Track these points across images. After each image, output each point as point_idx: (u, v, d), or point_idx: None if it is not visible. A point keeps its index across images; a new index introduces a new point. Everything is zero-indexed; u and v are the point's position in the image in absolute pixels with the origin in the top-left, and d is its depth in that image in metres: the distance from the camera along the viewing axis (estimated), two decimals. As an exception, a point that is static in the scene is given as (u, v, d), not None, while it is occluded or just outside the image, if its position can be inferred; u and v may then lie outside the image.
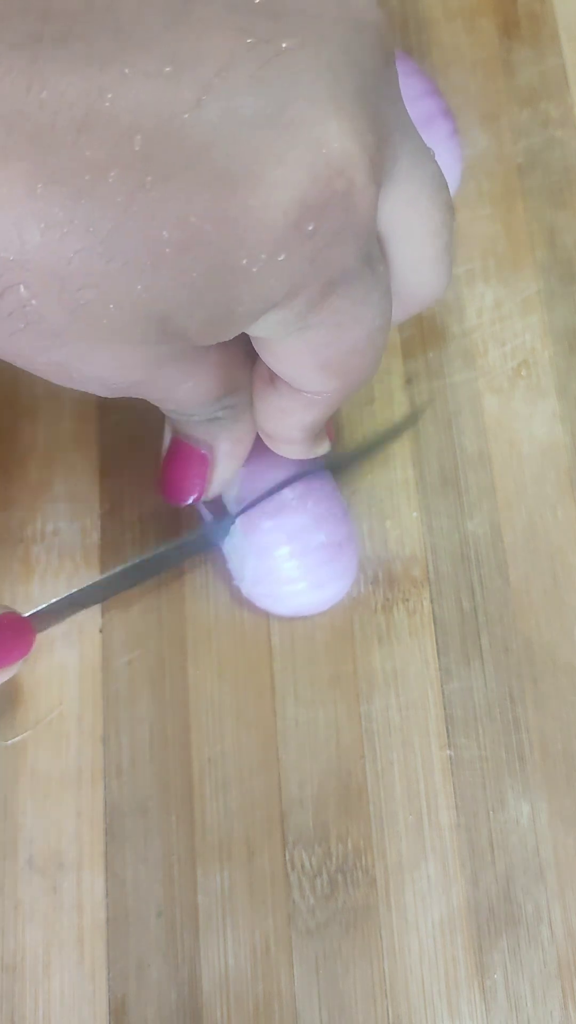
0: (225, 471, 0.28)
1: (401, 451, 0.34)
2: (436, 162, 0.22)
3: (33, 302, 0.18)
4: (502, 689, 0.32)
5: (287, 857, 0.30)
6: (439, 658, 0.32)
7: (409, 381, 0.35)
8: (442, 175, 0.22)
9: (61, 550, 0.33)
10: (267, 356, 0.22)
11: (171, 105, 0.17)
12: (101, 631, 0.32)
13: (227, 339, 0.20)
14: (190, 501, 0.28)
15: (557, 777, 0.31)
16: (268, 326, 0.20)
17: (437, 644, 0.32)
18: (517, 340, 0.36)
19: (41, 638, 0.32)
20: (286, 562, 0.30)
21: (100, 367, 0.20)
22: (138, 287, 0.18)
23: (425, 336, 0.36)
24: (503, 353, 0.35)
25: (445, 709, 0.31)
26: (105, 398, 0.35)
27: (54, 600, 0.29)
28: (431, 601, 0.32)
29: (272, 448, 0.27)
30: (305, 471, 0.30)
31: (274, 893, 0.30)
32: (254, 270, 0.18)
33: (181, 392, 0.23)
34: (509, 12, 0.40)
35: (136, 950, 0.29)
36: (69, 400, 0.34)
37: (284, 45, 0.18)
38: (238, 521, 0.30)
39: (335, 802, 0.30)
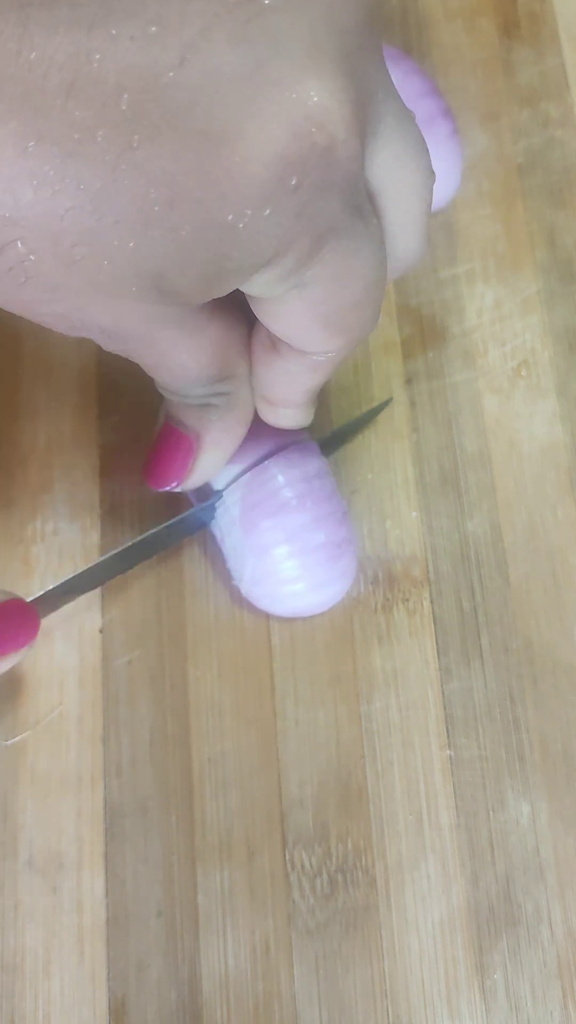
0: (210, 461, 0.28)
1: (401, 451, 0.34)
2: (417, 126, 0.22)
3: (31, 257, 0.19)
4: (502, 689, 0.32)
5: (287, 857, 0.30)
6: (439, 658, 0.32)
7: (409, 381, 0.35)
8: (423, 139, 0.22)
9: (61, 550, 0.33)
10: (269, 320, 0.23)
11: (156, 65, 0.17)
12: (101, 631, 0.32)
13: (221, 295, 0.21)
14: (171, 487, 0.28)
15: (557, 777, 0.31)
16: (264, 284, 0.21)
17: (437, 644, 0.32)
18: (517, 340, 0.36)
19: (41, 638, 0.32)
20: (285, 562, 0.30)
21: (100, 318, 0.21)
22: (129, 244, 0.19)
23: (425, 336, 0.36)
24: (503, 353, 0.35)
25: (445, 709, 0.31)
26: (104, 397, 0.35)
27: (54, 585, 0.29)
28: (431, 601, 0.32)
29: (271, 418, 0.27)
30: (291, 441, 0.30)
31: (274, 893, 0.30)
32: (241, 226, 0.19)
33: (177, 361, 0.24)
34: (509, 12, 0.40)
35: (136, 950, 0.29)
36: (69, 400, 0.34)
37: (266, 2, 0.18)
38: (238, 520, 0.30)
39: (335, 802, 0.30)
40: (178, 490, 0.29)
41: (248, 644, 0.32)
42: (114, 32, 0.17)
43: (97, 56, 0.17)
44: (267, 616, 0.32)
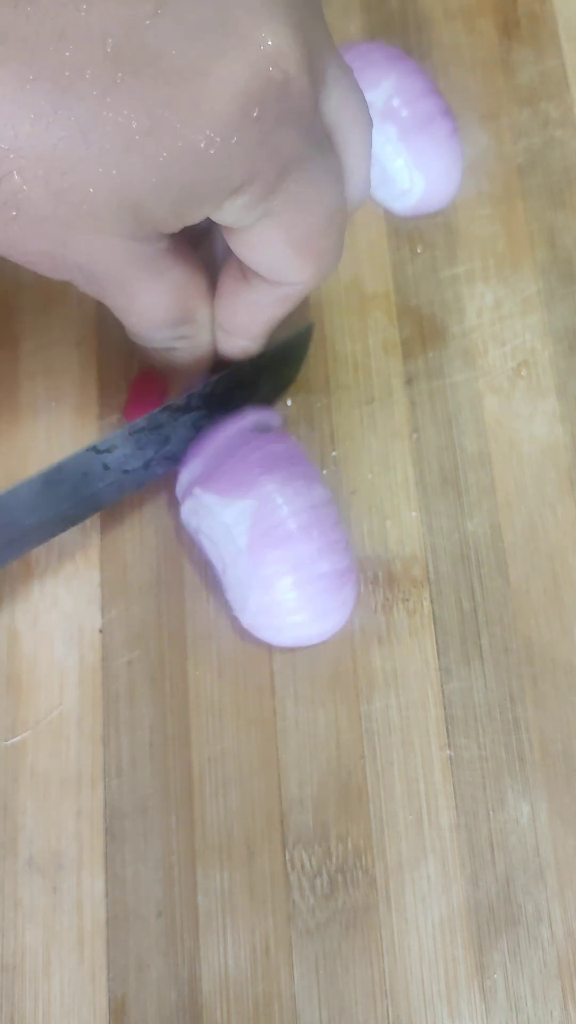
0: (177, 391, 0.32)
1: (401, 451, 0.34)
2: (355, 79, 0.25)
3: (24, 188, 0.21)
4: (502, 689, 0.32)
5: (287, 857, 0.30)
6: (439, 658, 0.32)
7: (409, 381, 0.35)
8: (361, 91, 0.26)
9: (61, 550, 0.33)
10: (245, 250, 0.26)
11: (135, 15, 0.21)
12: (101, 631, 0.32)
13: (193, 222, 0.24)
14: (143, 412, 0.31)
15: (557, 777, 0.31)
16: (236, 211, 0.24)
17: (437, 644, 0.32)
18: (517, 340, 0.36)
19: (41, 638, 0.32)
20: (289, 592, 0.29)
21: (79, 255, 0.23)
22: (113, 172, 0.21)
23: (425, 336, 0.36)
24: (503, 353, 0.35)
25: (445, 709, 0.31)
26: (104, 397, 0.35)
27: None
28: (431, 601, 0.32)
29: (225, 346, 0.30)
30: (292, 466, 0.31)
31: (274, 893, 0.30)
32: (212, 152, 0.22)
33: (144, 302, 0.27)
34: (509, 12, 0.40)
35: (136, 950, 0.29)
36: (69, 400, 0.34)
37: None
38: (246, 551, 0.30)
39: (335, 802, 0.30)
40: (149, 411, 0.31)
41: (248, 644, 0.32)
42: None
43: (84, 6, 0.20)
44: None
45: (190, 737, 0.31)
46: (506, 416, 0.35)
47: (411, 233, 0.37)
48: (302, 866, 0.30)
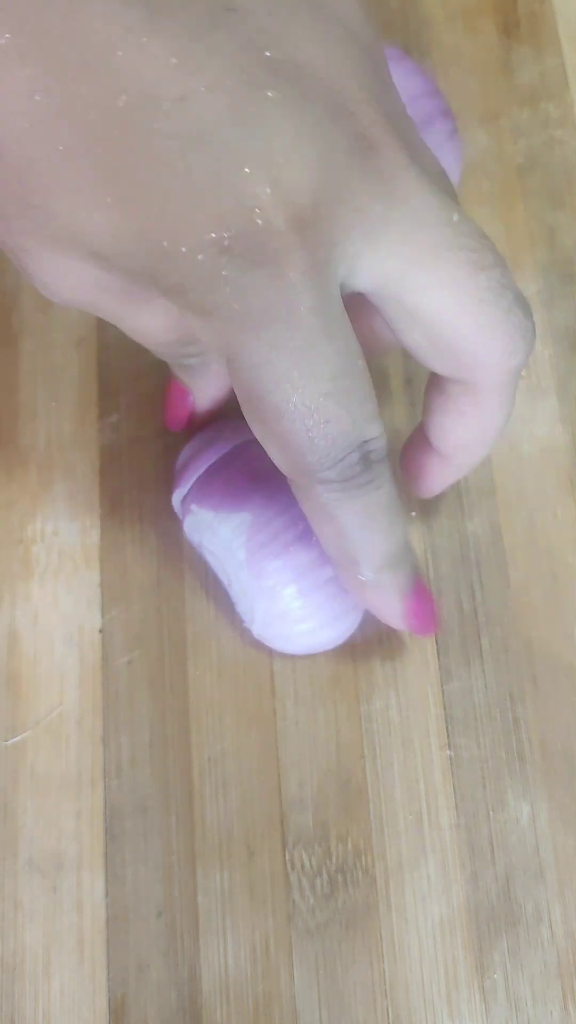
0: (206, 404, 0.32)
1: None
2: (453, 227, 0.23)
3: None
4: (502, 689, 0.32)
5: (287, 857, 0.30)
6: (439, 658, 0.32)
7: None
8: (463, 239, 0.23)
9: (61, 550, 0.33)
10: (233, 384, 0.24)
11: (161, 89, 0.20)
12: (101, 631, 0.32)
13: (154, 313, 0.23)
14: (183, 426, 0.32)
15: (557, 777, 0.31)
16: (201, 328, 0.22)
17: (437, 644, 0.32)
18: (517, 340, 0.36)
19: (41, 638, 0.32)
20: (295, 601, 0.29)
21: (42, 271, 0.23)
22: (80, 215, 0.21)
23: (425, 336, 0.36)
24: (503, 353, 0.35)
25: (445, 709, 0.31)
26: (104, 397, 0.35)
27: None
28: (431, 601, 0.32)
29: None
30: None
31: (274, 893, 0.30)
32: (174, 255, 0.21)
33: (129, 326, 0.26)
34: (509, 12, 0.40)
35: (136, 950, 0.29)
36: (69, 400, 0.34)
37: (269, 95, 0.20)
38: (245, 564, 0.29)
39: (335, 802, 0.30)
40: (188, 426, 0.32)
41: (248, 644, 0.32)
42: (145, 41, 0.20)
43: (120, 53, 0.20)
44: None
45: (190, 737, 0.31)
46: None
47: (411, 233, 0.37)
48: (302, 866, 0.30)
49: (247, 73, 0.20)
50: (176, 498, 0.31)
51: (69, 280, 0.23)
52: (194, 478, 0.30)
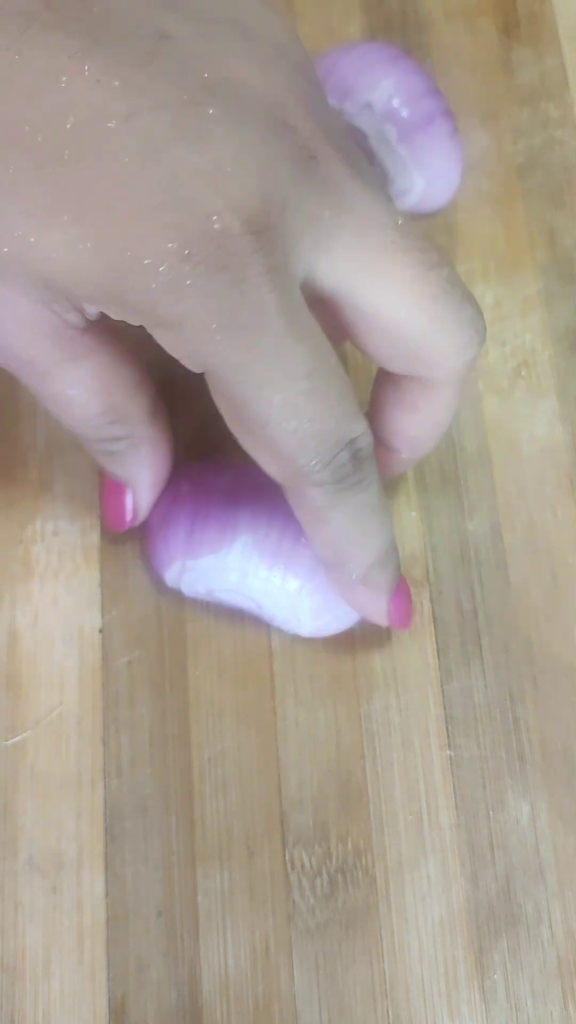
0: (146, 498, 0.30)
1: (401, 451, 0.34)
2: (399, 230, 0.24)
3: None
4: (502, 689, 0.32)
5: (287, 857, 0.30)
6: (439, 658, 0.32)
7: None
8: (410, 240, 0.24)
9: (61, 550, 0.33)
10: (217, 403, 0.24)
11: (107, 109, 0.21)
12: (101, 631, 0.32)
13: (130, 321, 0.23)
14: (126, 526, 0.31)
15: (557, 777, 0.31)
16: (172, 342, 0.23)
17: (437, 644, 0.32)
18: (517, 340, 0.36)
19: (41, 638, 0.32)
20: (327, 588, 0.29)
21: None
22: (31, 239, 0.21)
23: (425, 336, 0.36)
24: (503, 353, 0.35)
25: (445, 709, 0.31)
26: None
27: None
28: (431, 601, 0.32)
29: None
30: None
31: (274, 893, 0.30)
32: (136, 268, 0.21)
33: (58, 387, 0.25)
34: (509, 12, 0.40)
35: (136, 950, 0.29)
36: (69, 400, 0.34)
37: (210, 112, 0.21)
38: (272, 576, 0.29)
39: (335, 802, 0.30)
40: (135, 523, 0.31)
41: (248, 644, 0.32)
42: (87, 68, 0.20)
43: (64, 79, 0.20)
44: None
45: (190, 737, 0.31)
46: (506, 416, 0.35)
47: (411, 233, 0.37)
48: (302, 866, 0.30)
49: (188, 93, 0.21)
50: (172, 577, 0.31)
51: (9, 324, 0.23)
52: (180, 545, 0.30)
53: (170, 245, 0.21)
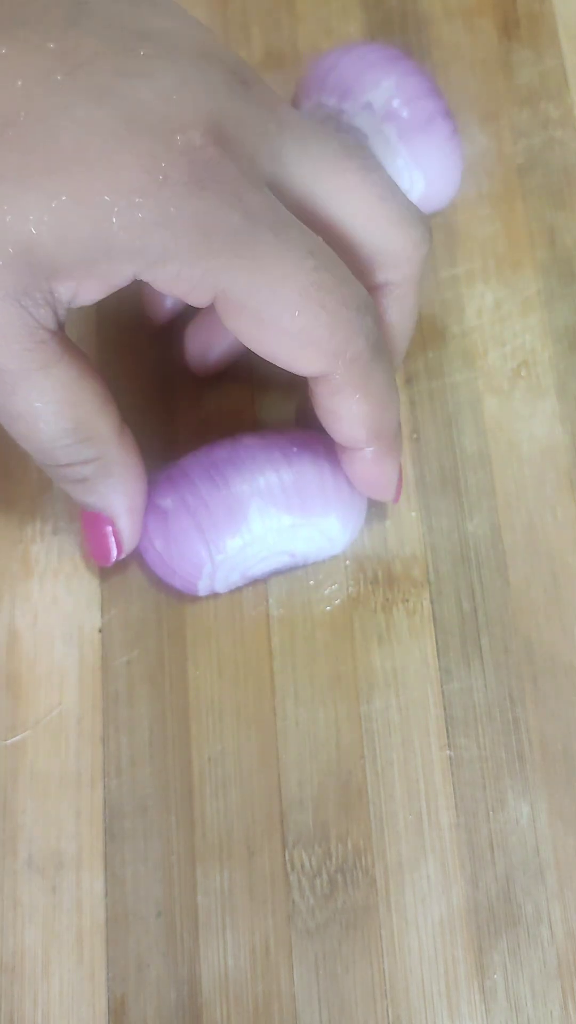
0: (131, 525, 0.29)
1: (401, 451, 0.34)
2: (337, 139, 0.26)
3: None
4: (502, 689, 0.32)
5: (287, 857, 0.30)
6: (439, 658, 0.32)
7: (409, 381, 0.35)
8: (349, 148, 0.26)
9: (61, 550, 0.33)
10: (245, 337, 0.25)
11: (49, 68, 0.22)
12: (101, 631, 0.32)
13: (114, 279, 0.23)
14: (114, 559, 0.30)
15: (557, 777, 0.31)
16: (170, 280, 0.23)
17: (437, 644, 0.32)
18: (517, 340, 0.36)
19: (41, 638, 0.32)
20: (350, 496, 0.30)
21: None
22: (4, 207, 0.22)
23: (425, 336, 0.36)
24: (503, 353, 0.35)
25: (445, 709, 0.31)
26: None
27: None
28: (431, 601, 0.32)
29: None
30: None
31: (274, 893, 0.30)
32: (117, 208, 0.22)
33: (24, 401, 0.25)
34: (509, 12, 0.40)
35: (136, 950, 0.29)
36: (69, 400, 0.34)
37: (142, 52, 0.23)
38: (299, 519, 0.30)
39: (335, 802, 0.30)
40: (122, 556, 0.30)
41: (248, 644, 0.32)
42: (21, 34, 0.22)
43: (3, 50, 0.22)
44: (267, 616, 0.32)
45: (190, 737, 0.31)
46: (506, 416, 0.35)
47: (411, 233, 0.37)
48: (302, 866, 0.30)
49: (120, 42, 0.23)
50: (204, 585, 0.31)
51: None
52: (199, 550, 0.30)
53: (144, 174, 0.22)
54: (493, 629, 0.32)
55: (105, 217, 0.22)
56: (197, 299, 0.24)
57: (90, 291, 0.24)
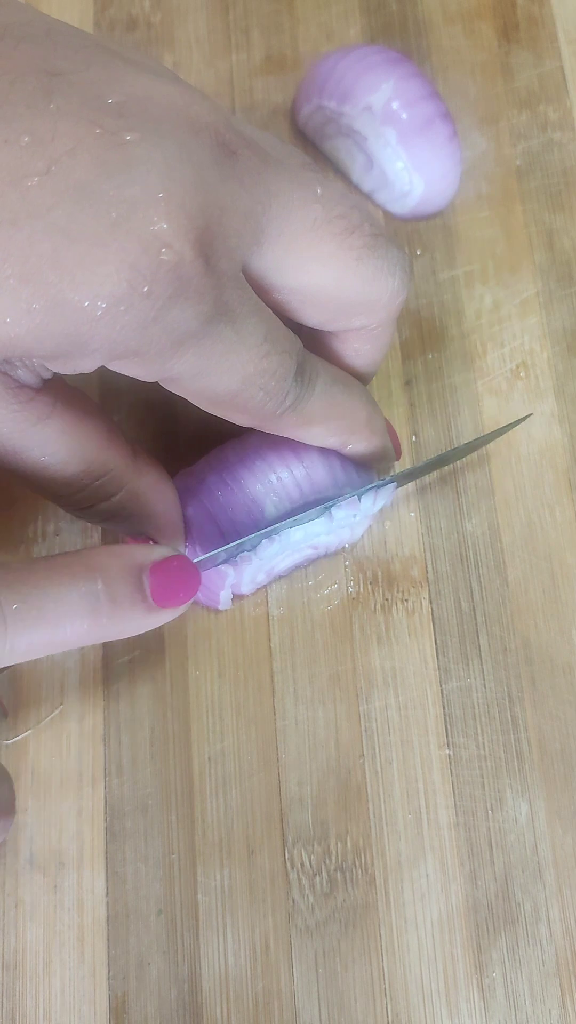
0: (173, 538, 0.29)
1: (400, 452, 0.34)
2: (320, 203, 0.25)
3: None
4: (500, 688, 0.32)
5: (287, 855, 0.30)
6: (438, 658, 0.32)
7: (408, 382, 0.35)
8: (332, 210, 0.25)
9: (62, 550, 0.33)
10: (178, 393, 0.25)
11: (24, 168, 0.20)
12: (102, 631, 0.32)
13: (86, 370, 0.23)
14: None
15: (555, 776, 0.31)
16: (134, 370, 0.23)
17: (436, 644, 0.32)
18: (516, 342, 0.36)
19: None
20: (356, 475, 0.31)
21: None
22: None
23: (424, 338, 0.36)
24: (501, 355, 0.36)
25: (444, 708, 0.31)
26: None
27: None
28: (430, 601, 0.33)
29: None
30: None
31: (274, 891, 0.30)
32: (98, 314, 0.21)
33: (31, 457, 0.25)
34: (508, 15, 0.40)
35: (136, 948, 0.29)
36: (70, 401, 0.34)
37: (128, 138, 0.21)
38: (313, 510, 0.30)
39: (334, 801, 0.31)
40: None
41: (248, 644, 0.32)
42: None
43: None
44: (267, 616, 0.32)
45: (190, 736, 0.31)
46: (505, 417, 0.35)
47: (410, 235, 0.37)
48: (302, 865, 0.30)
49: (99, 124, 0.21)
50: (244, 583, 0.31)
51: None
52: (222, 557, 0.30)
53: (127, 286, 0.21)
54: (492, 629, 0.32)
55: (83, 321, 0.21)
56: (142, 378, 0.24)
57: (63, 369, 0.24)
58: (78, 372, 0.23)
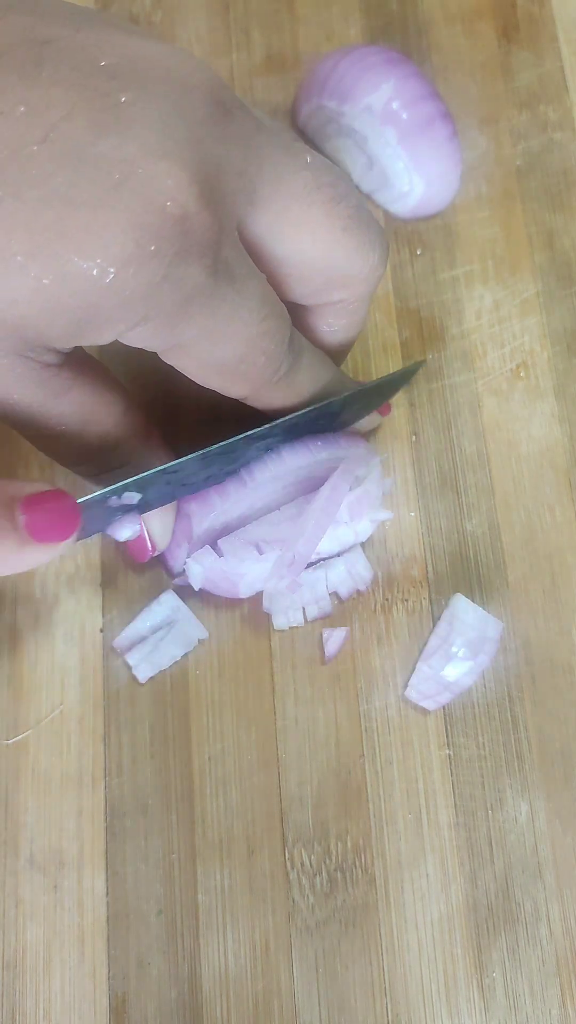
0: (161, 527, 0.30)
1: (400, 452, 0.34)
2: (310, 170, 0.25)
3: None
4: (500, 688, 0.32)
5: (287, 855, 0.30)
6: (438, 658, 0.32)
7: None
8: (321, 178, 0.25)
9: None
10: (175, 364, 0.25)
11: (22, 138, 0.20)
12: (102, 631, 0.32)
13: (99, 343, 0.23)
14: (149, 557, 0.30)
15: (555, 776, 0.31)
16: (143, 339, 0.23)
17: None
18: (516, 342, 0.36)
19: (43, 638, 0.32)
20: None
21: None
22: None
23: (424, 338, 0.36)
24: (502, 355, 0.36)
25: (444, 708, 0.31)
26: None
27: (109, 488, 0.27)
28: (430, 601, 0.33)
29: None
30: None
31: (274, 891, 0.30)
32: (107, 281, 0.21)
33: (49, 425, 0.25)
34: (508, 15, 0.40)
35: (136, 948, 0.29)
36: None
37: (122, 99, 0.21)
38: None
39: (335, 801, 0.31)
40: (157, 553, 0.30)
41: (248, 644, 0.32)
42: None
43: None
44: (267, 615, 0.32)
45: (190, 736, 0.31)
46: (505, 417, 0.35)
47: (410, 235, 0.37)
48: (302, 864, 0.30)
49: (92, 88, 0.21)
50: (247, 584, 0.31)
51: None
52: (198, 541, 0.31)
53: (135, 246, 0.21)
54: (492, 629, 0.32)
55: (94, 291, 0.21)
56: (153, 348, 0.24)
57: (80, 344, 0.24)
58: (91, 344, 0.23)
